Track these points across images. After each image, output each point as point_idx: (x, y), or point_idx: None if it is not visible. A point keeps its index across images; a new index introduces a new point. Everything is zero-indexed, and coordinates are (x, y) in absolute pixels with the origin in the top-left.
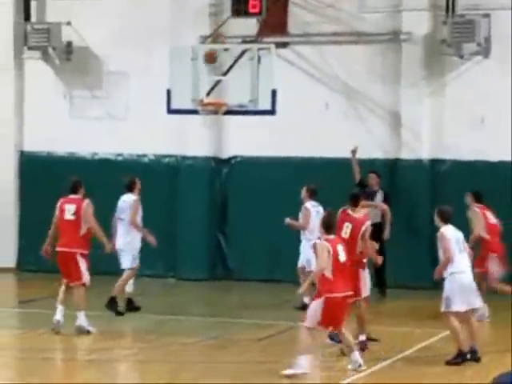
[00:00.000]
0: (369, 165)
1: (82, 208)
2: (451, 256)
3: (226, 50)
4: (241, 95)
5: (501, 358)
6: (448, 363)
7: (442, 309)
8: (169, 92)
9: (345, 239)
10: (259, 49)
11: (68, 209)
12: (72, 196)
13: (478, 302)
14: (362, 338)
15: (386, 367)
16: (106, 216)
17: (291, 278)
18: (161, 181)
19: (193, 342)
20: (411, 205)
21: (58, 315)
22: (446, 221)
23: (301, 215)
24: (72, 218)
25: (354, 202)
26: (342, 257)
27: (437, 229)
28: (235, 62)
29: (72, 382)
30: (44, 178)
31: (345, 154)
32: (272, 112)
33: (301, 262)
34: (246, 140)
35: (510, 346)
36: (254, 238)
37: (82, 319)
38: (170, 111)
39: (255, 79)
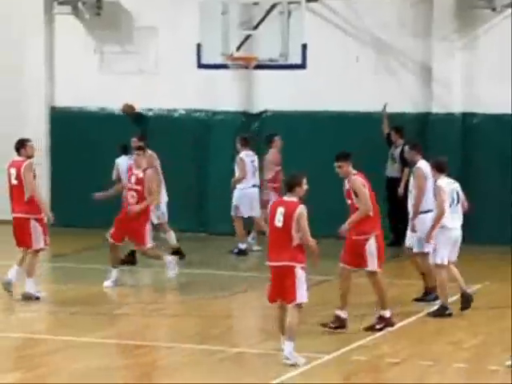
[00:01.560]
0: (399, 119)
1: (21, 172)
2: (444, 210)
3: (256, 4)
4: (271, 49)
5: None
6: (430, 315)
7: (431, 261)
8: (199, 46)
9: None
10: (289, 3)
11: (11, 173)
12: (16, 158)
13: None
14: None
15: (418, 320)
16: None
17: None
18: (191, 136)
19: (222, 296)
20: None
21: (10, 275)
22: (441, 172)
23: (236, 166)
24: (15, 182)
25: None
26: (279, 222)
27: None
28: (265, 16)
29: (102, 336)
30: (75, 133)
31: (375, 107)
32: (302, 66)
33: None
34: (276, 94)
35: None
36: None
37: (29, 286)
38: (200, 66)
39: (285, 33)
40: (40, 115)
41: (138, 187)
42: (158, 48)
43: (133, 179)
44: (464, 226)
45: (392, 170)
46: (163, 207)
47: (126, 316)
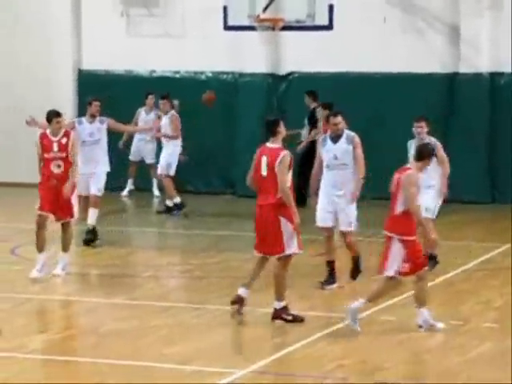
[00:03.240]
0: (427, 79)
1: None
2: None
3: None
4: (298, 10)
5: None
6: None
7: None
8: (225, 8)
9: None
10: None
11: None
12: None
13: None
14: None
15: (446, 281)
16: None
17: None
18: (218, 98)
19: (250, 258)
20: (470, 119)
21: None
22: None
23: (170, 124)
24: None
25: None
26: (264, 171)
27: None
28: None
29: (130, 298)
30: (102, 95)
31: (402, 68)
32: (329, 27)
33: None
34: (302, 56)
35: None
36: None
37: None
38: (227, 28)
39: None
40: (67, 77)
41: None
42: (185, 10)
43: None
44: (493, 187)
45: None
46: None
47: (155, 278)
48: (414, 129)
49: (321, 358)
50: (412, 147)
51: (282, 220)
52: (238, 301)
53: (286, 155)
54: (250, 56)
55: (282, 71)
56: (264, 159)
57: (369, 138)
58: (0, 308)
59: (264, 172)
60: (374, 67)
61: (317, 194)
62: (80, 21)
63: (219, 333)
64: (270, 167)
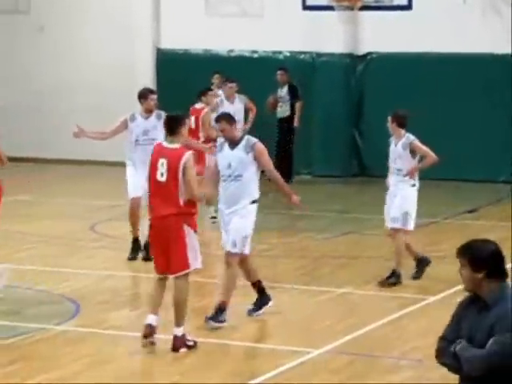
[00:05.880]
0: (502, 60)
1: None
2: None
3: None
4: None
5: None
6: (382, 284)
7: (396, 225)
8: None
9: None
10: None
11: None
12: None
13: None
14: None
15: None
16: None
17: (427, 175)
18: (295, 78)
19: (326, 238)
20: None
21: None
22: (402, 126)
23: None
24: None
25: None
26: (162, 176)
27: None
28: None
29: (206, 276)
30: (180, 75)
31: (482, 49)
32: (408, 7)
33: None
34: (381, 36)
35: None
36: (389, 135)
37: None
38: (306, 7)
39: None
40: (146, 56)
41: None
42: None
43: None
44: None
45: (281, 110)
46: None
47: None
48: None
49: (396, 339)
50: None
51: (187, 230)
52: (150, 333)
53: (190, 156)
54: (327, 36)
55: (361, 51)
56: (161, 163)
57: (448, 119)
58: (82, 285)
59: (162, 177)
60: (452, 48)
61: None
62: (159, 0)
63: (295, 311)
64: (171, 171)
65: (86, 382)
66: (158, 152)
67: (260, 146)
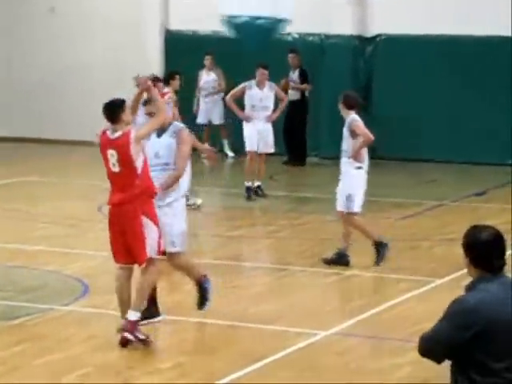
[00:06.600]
0: None
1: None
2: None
3: None
4: None
5: None
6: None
7: (341, 208)
8: None
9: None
10: None
11: None
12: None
13: None
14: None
15: None
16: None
17: (437, 157)
18: (304, 59)
19: (333, 220)
20: None
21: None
22: (351, 108)
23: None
24: None
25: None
26: (114, 167)
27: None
28: None
29: (216, 257)
30: (188, 55)
31: (492, 31)
32: None
33: None
34: (390, 18)
35: None
36: (397, 117)
37: None
38: None
39: None
40: (154, 37)
41: None
42: None
43: None
44: None
45: (292, 93)
46: None
47: (239, 238)
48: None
49: (404, 321)
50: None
51: (145, 220)
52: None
53: (132, 132)
54: (336, 17)
55: (369, 33)
56: (111, 154)
57: (457, 102)
58: (90, 265)
59: (115, 168)
60: (462, 30)
61: None
62: None
63: (304, 293)
64: (123, 161)
65: (93, 362)
66: (105, 143)
67: (185, 133)
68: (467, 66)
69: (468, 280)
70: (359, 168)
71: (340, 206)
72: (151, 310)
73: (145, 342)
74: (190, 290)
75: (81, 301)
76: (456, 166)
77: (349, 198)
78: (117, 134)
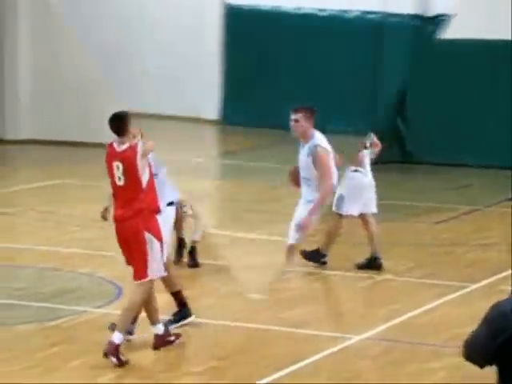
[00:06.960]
0: None
1: None
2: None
3: None
4: None
5: None
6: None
7: (333, 208)
8: None
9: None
10: None
11: None
12: None
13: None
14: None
15: None
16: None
17: (471, 161)
18: (364, 37)
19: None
20: None
21: None
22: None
23: None
24: None
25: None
26: (120, 180)
27: None
28: None
29: (268, 233)
30: (248, 31)
31: None
32: None
33: None
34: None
35: None
36: (433, 120)
37: None
38: None
39: None
40: (214, 11)
41: None
42: None
43: None
44: None
45: None
46: None
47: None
48: None
49: (438, 326)
50: None
51: (147, 236)
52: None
53: (139, 145)
54: None
55: (430, 13)
56: (117, 166)
57: (491, 106)
58: (123, 268)
59: (120, 181)
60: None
61: None
62: None
63: (336, 297)
64: (128, 174)
65: (127, 364)
66: (111, 155)
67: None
68: (505, 69)
69: (505, 284)
70: (355, 171)
71: (333, 206)
72: (183, 311)
73: (126, 363)
74: (223, 293)
75: (114, 303)
76: (491, 171)
77: (339, 199)
78: (124, 147)
